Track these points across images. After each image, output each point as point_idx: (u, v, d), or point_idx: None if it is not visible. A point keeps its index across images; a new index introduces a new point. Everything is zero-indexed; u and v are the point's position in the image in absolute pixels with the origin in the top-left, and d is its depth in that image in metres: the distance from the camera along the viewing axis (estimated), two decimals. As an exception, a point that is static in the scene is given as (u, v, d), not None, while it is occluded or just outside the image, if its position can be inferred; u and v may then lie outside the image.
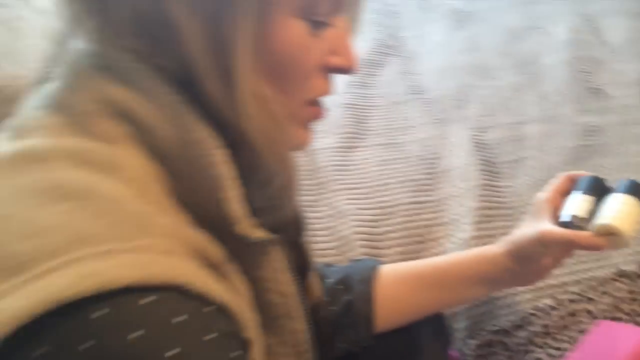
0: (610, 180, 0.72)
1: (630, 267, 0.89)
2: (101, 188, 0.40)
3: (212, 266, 0.43)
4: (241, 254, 0.47)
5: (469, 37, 1.67)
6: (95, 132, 0.42)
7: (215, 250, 0.44)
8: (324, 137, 1.25)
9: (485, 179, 1.10)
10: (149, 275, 0.36)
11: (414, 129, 1.28)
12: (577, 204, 0.68)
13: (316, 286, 0.65)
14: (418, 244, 1.02)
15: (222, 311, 0.40)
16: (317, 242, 1.01)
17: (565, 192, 0.72)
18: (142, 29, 0.44)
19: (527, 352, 0.82)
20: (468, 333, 0.86)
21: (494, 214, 1.03)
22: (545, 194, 0.72)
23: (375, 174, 1.15)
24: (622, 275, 0.88)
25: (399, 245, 1.02)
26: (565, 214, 0.68)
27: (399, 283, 0.73)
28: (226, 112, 0.44)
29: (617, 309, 0.84)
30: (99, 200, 0.39)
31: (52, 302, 0.34)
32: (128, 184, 0.41)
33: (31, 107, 0.46)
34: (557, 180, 0.73)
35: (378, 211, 1.07)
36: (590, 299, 0.86)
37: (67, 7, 0.45)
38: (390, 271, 0.73)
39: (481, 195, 1.06)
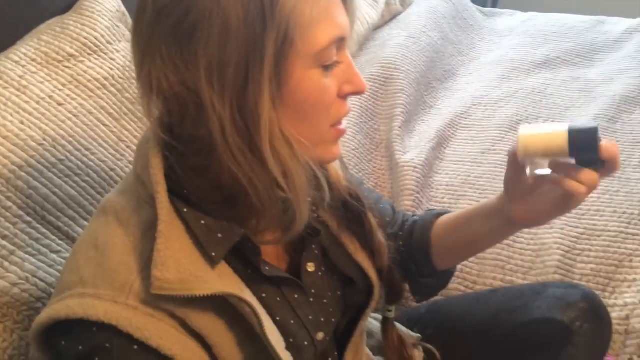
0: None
1: None
2: (111, 242, 0.59)
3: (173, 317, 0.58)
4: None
5: None
6: (135, 194, 0.62)
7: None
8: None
9: None
10: (85, 314, 0.55)
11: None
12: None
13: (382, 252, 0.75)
14: (613, 267, 1.11)
15: (145, 347, 0.56)
16: (515, 242, 1.18)
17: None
18: (172, 106, 0.56)
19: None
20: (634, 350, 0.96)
21: None
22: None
23: (591, 199, 1.25)
24: None
25: (593, 263, 1.13)
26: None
27: (444, 225, 0.84)
28: (237, 172, 0.56)
29: None
30: (102, 253, 0.59)
31: (52, 320, 0.57)
32: (130, 237, 0.59)
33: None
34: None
35: (583, 231, 1.18)
36: None
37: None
38: (442, 218, 0.85)
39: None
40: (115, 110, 1.03)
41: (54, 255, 0.84)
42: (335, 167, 0.72)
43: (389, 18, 1.99)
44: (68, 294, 0.58)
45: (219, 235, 0.60)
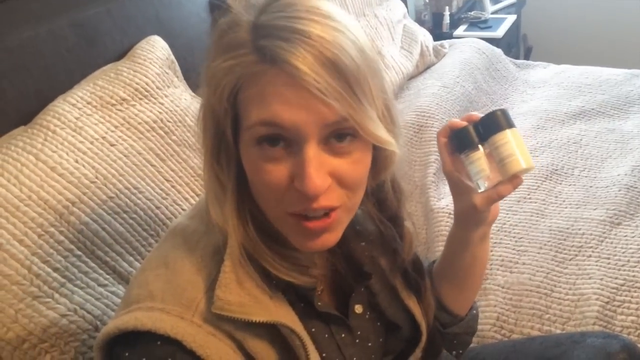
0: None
1: None
2: (180, 262, 0.62)
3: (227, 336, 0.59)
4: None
5: None
6: (206, 219, 0.64)
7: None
8: (594, 209, 1.37)
9: None
10: (153, 326, 0.56)
11: None
12: (477, 165, 0.70)
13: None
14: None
15: None
16: (553, 291, 1.17)
17: (452, 151, 0.73)
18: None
19: None
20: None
21: None
22: (445, 165, 0.74)
23: (631, 250, 1.24)
24: None
25: (634, 315, 1.10)
26: (480, 183, 0.70)
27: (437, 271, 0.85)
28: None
29: None
30: (172, 271, 0.61)
31: (118, 330, 0.58)
32: (198, 259, 0.62)
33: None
34: (440, 145, 0.73)
35: (623, 282, 1.17)
36: None
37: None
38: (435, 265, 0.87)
39: None
40: (162, 151, 1.08)
41: (101, 289, 0.87)
42: (409, 233, 0.76)
43: (423, 68, 2.04)
44: (136, 306, 0.60)
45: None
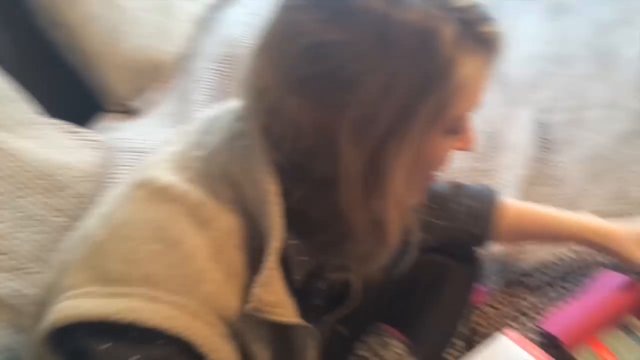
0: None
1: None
2: (188, 242, 0.52)
3: (229, 333, 0.53)
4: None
5: (559, 28, 1.78)
6: (215, 192, 0.55)
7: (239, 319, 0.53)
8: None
9: (537, 153, 1.26)
10: (160, 324, 0.49)
11: (485, 108, 1.45)
12: None
13: None
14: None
15: None
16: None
17: None
18: (301, 143, 0.53)
19: (543, 291, 0.99)
20: (496, 273, 1.05)
21: (538, 182, 1.19)
22: None
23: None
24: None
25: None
26: None
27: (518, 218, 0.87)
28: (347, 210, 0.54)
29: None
30: (179, 253, 0.51)
31: (99, 317, 0.48)
32: (212, 241, 0.53)
33: (193, 144, 0.59)
34: None
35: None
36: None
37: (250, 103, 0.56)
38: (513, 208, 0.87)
39: (530, 166, 1.22)
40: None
41: None
42: None
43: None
44: (126, 290, 0.49)
45: (301, 258, 0.58)
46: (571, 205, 1.13)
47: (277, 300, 0.53)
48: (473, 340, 0.94)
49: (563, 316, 0.89)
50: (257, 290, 0.51)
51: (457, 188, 0.88)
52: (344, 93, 0.50)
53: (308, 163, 0.54)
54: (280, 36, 0.53)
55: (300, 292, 0.59)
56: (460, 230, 0.86)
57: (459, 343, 0.90)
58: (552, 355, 0.84)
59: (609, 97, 1.41)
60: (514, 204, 0.89)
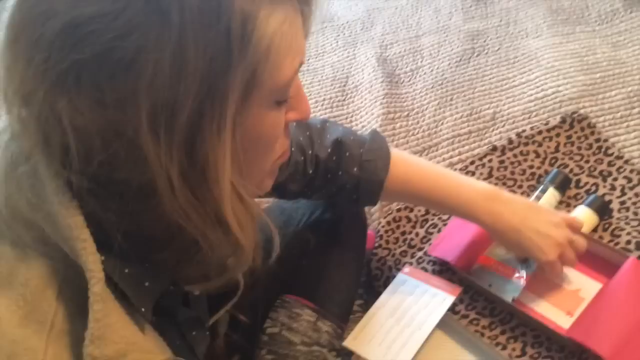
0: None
1: (500, 143, 1.10)
2: (2, 313, 0.43)
3: None
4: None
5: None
6: (10, 238, 0.45)
7: None
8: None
9: (387, 89, 1.28)
10: None
11: (326, 54, 1.44)
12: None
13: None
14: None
15: None
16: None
17: None
18: (98, 153, 0.42)
19: (424, 221, 1.03)
20: (379, 214, 1.07)
21: (396, 117, 1.22)
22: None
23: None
24: (493, 149, 1.09)
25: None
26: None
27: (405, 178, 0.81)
28: (179, 217, 0.44)
29: (490, 175, 1.05)
30: None
31: None
32: (19, 301, 0.44)
33: None
34: None
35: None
36: (472, 173, 1.07)
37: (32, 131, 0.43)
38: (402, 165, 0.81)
39: (384, 103, 1.24)
40: None
41: None
42: None
43: None
44: None
45: (146, 284, 0.48)
46: (431, 134, 1.18)
47: (124, 347, 0.45)
48: (375, 287, 0.96)
49: (449, 240, 0.93)
50: (90, 349, 0.43)
51: (340, 144, 0.79)
52: (124, 79, 0.39)
53: (118, 175, 0.44)
54: (28, 25, 0.41)
55: (171, 308, 0.54)
56: (346, 199, 0.84)
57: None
58: (449, 279, 0.88)
59: (438, 21, 1.47)
60: (404, 165, 0.82)
